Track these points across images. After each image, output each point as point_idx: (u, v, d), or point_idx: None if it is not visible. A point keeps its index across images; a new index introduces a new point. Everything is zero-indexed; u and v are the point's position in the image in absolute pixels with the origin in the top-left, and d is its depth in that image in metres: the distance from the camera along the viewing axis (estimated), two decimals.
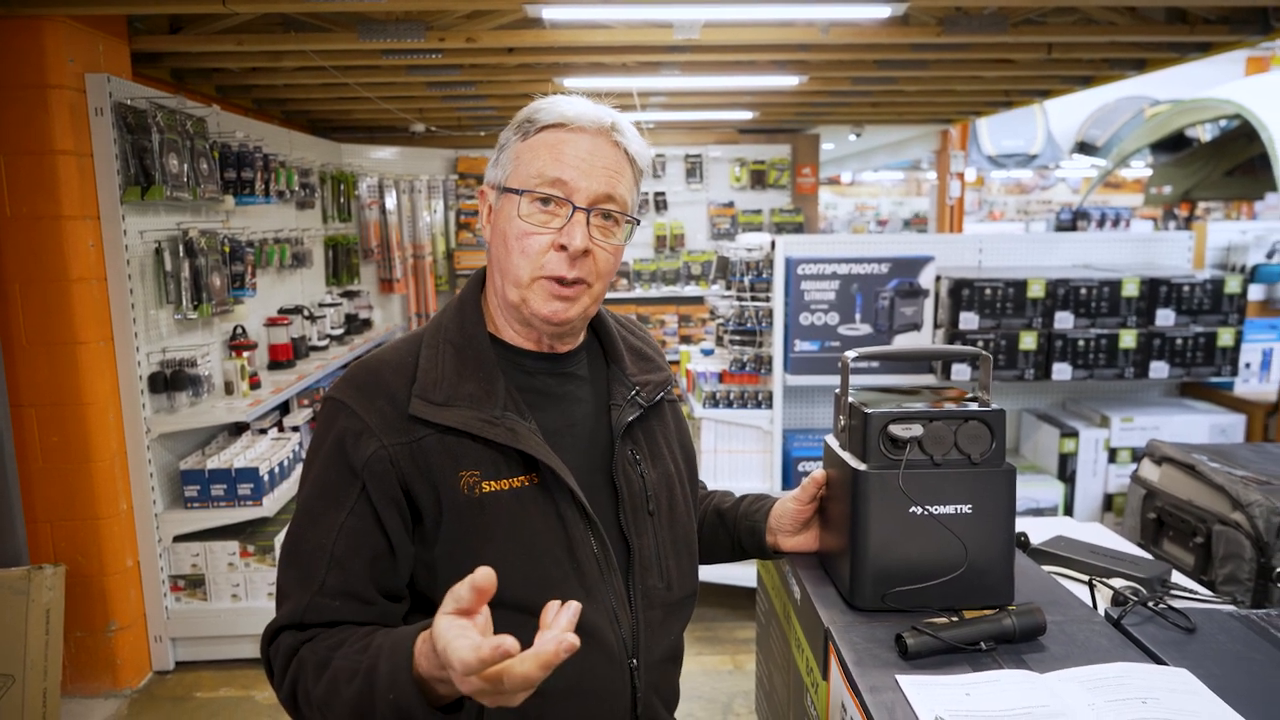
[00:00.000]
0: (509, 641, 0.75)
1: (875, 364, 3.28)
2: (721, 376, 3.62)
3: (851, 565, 1.06)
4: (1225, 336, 3.28)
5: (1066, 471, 3.39)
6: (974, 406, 1.07)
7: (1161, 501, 1.68)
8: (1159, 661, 0.95)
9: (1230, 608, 1.09)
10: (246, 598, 3.44)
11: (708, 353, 4.02)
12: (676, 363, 5.24)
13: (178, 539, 3.38)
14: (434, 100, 4.99)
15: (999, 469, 1.05)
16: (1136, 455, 3.36)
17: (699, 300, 6.36)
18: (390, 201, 5.99)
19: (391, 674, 0.89)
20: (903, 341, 3.39)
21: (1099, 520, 3.41)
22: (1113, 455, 3.38)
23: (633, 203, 1.11)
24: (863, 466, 1.05)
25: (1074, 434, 3.38)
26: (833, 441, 1.16)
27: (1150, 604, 1.05)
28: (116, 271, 3.08)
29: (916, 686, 0.88)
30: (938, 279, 3.37)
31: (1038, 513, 3.33)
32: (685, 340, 6.26)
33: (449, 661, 0.77)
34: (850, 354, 1.11)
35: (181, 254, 3.34)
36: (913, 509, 1.03)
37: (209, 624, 3.42)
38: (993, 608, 1.03)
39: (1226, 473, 1.54)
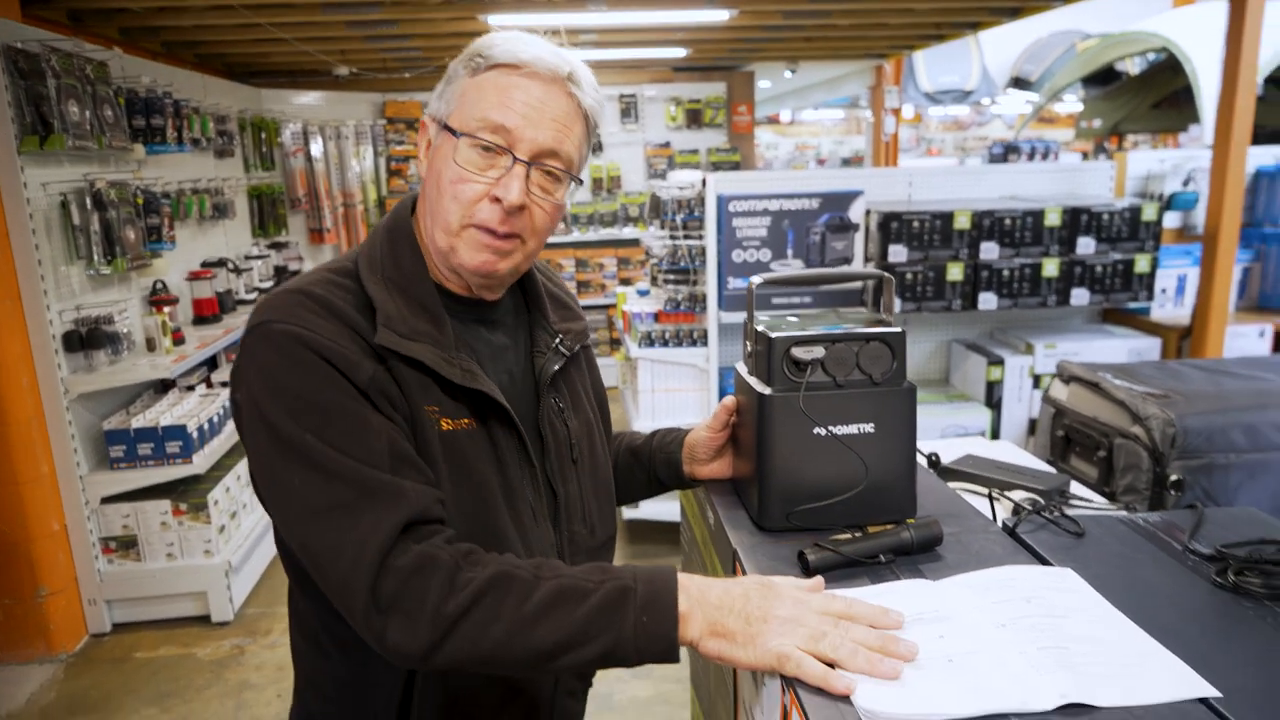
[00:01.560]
0: None
1: (808, 299, 3.31)
2: (657, 316, 3.63)
3: (759, 488, 1.08)
4: (1142, 263, 3.38)
5: (993, 398, 3.49)
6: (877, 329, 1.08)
7: (1069, 419, 1.74)
8: (1047, 564, 0.99)
9: (1122, 514, 1.14)
10: (182, 556, 3.39)
11: (643, 293, 4.01)
12: (613, 305, 5.22)
13: (106, 500, 3.30)
14: (355, 41, 4.80)
15: (899, 388, 1.06)
16: None
17: (638, 243, 6.32)
18: (316, 149, 5.80)
19: (651, 598, 0.85)
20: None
21: (1024, 444, 3.53)
22: (1036, 381, 3.48)
23: (580, 160, 1.05)
24: (767, 390, 1.06)
25: (1000, 362, 3.47)
26: (742, 368, 1.17)
27: (1045, 513, 1.09)
28: (19, 226, 2.94)
29: None
30: (867, 213, 3.39)
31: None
32: (625, 283, 6.24)
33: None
34: (755, 279, 1.11)
35: (90, 206, 3.19)
36: (816, 430, 1.05)
37: (145, 585, 3.37)
38: (895, 523, 1.06)
39: (1128, 389, 1.60)
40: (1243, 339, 3.57)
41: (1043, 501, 1.14)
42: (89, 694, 3.02)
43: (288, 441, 0.91)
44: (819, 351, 1.04)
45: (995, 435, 3.54)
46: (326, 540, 0.89)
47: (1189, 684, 0.75)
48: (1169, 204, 3.75)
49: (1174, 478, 1.46)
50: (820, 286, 3.44)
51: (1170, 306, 3.71)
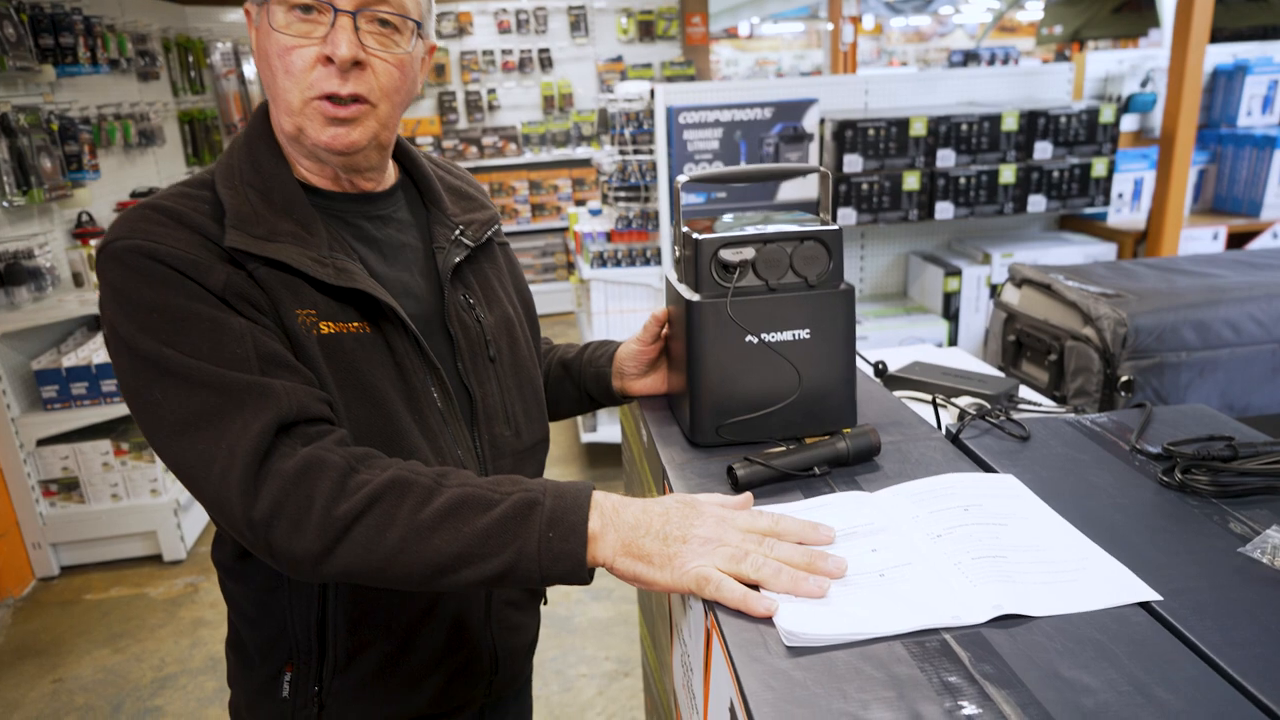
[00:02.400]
0: None
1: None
2: (609, 235, 3.52)
3: (690, 402, 1.02)
4: (1099, 167, 3.32)
5: (950, 310, 3.46)
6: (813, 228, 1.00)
7: (1020, 323, 1.69)
8: (989, 470, 0.94)
9: (1070, 415, 1.09)
10: (128, 496, 3.29)
11: (595, 212, 3.90)
12: (566, 228, 5.08)
13: (42, 443, 3.18)
14: None
15: (836, 290, 1.00)
16: None
17: (591, 163, 6.15)
18: (250, 70, 5.50)
19: (559, 513, 0.79)
20: (789, 190, 3.33)
21: (980, 354, 3.53)
22: (994, 291, 3.45)
23: (421, 9, 0.96)
24: (695, 297, 0.99)
25: (957, 272, 3.43)
26: (671, 275, 1.09)
27: (990, 418, 1.04)
28: None
29: None
30: (822, 122, 3.29)
31: None
32: (581, 205, 6.08)
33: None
34: (681, 177, 1.02)
35: None
36: (749, 338, 0.98)
37: (91, 526, 3.28)
38: (834, 434, 1.00)
39: (1080, 289, 1.55)
40: (1196, 242, 3.55)
41: (988, 406, 1.09)
42: (39, 637, 2.96)
43: (145, 358, 0.85)
44: (749, 253, 0.97)
45: (952, 345, 3.52)
46: (196, 453, 0.84)
47: (1129, 589, 0.71)
48: (1126, 106, 3.68)
49: (1124, 378, 1.42)
50: (772, 199, 3.35)
51: (1127, 212, 3.68)
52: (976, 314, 3.49)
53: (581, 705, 2.51)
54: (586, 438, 3.83)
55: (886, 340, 3.36)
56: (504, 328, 1.11)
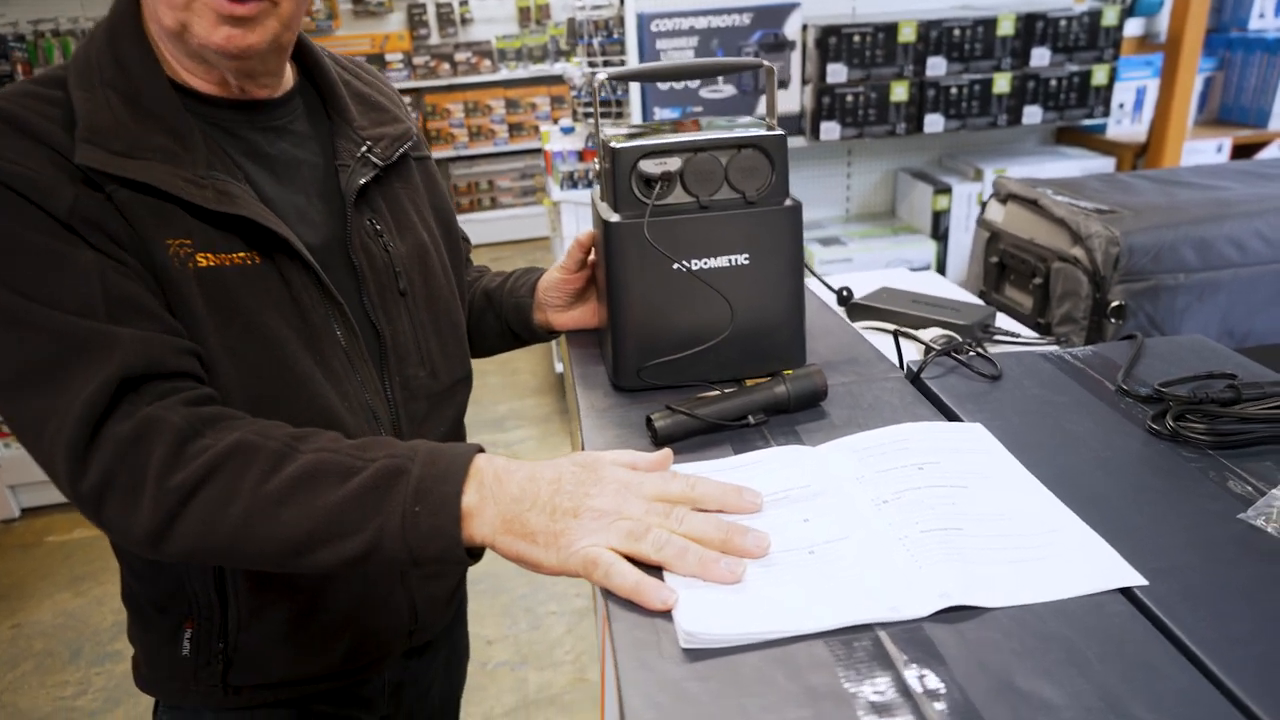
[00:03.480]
0: None
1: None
2: (582, 155, 3.33)
3: (611, 339, 0.88)
4: (1100, 75, 3.12)
5: (940, 229, 3.31)
6: (753, 133, 0.85)
7: (1004, 244, 1.54)
8: (953, 418, 0.81)
9: (1051, 348, 0.96)
10: None
11: (568, 130, 3.69)
12: (538, 149, 4.85)
13: None
14: None
15: (780, 207, 0.85)
16: None
17: None
18: None
19: (428, 484, 0.67)
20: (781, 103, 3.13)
21: (965, 277, 3.39)
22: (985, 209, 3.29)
23: None
24: (614, 217, 0.84)
25: (947, 190, 3.26)
26: (595, 192, 0.94)
27: (956, 353, 0.90)
28: None
29: None
30: (804, 28, 3.07)
31: None
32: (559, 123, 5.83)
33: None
34: (599, 74, 0.86)
35: None
36: (676, 265, 0.84)
37: None
38: (776, 375, 0.87)
39: (1070, 205, 1.39)
40: (1199, 155, 3.38)
41: (957, 339, 0.95)
42: None
43: None
44: (674, 164, 0.82)
45: (941, 268, 3.38)
46: (31, 409, 0.72)
47: (1107, 571, 0.58)
48: (1132, 9, 3.45)
49: (1115, 304, 1.28)
50: (752, 112, 3.15)
51: (1127, 123, 3.49)
52: (966, 234, 3.33)
53: (550, 643, 2.45)
54: (561, 366, 3.71)
55: (873, 261, 3.21)
56: (417, 257, 0.97)
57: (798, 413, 0.82)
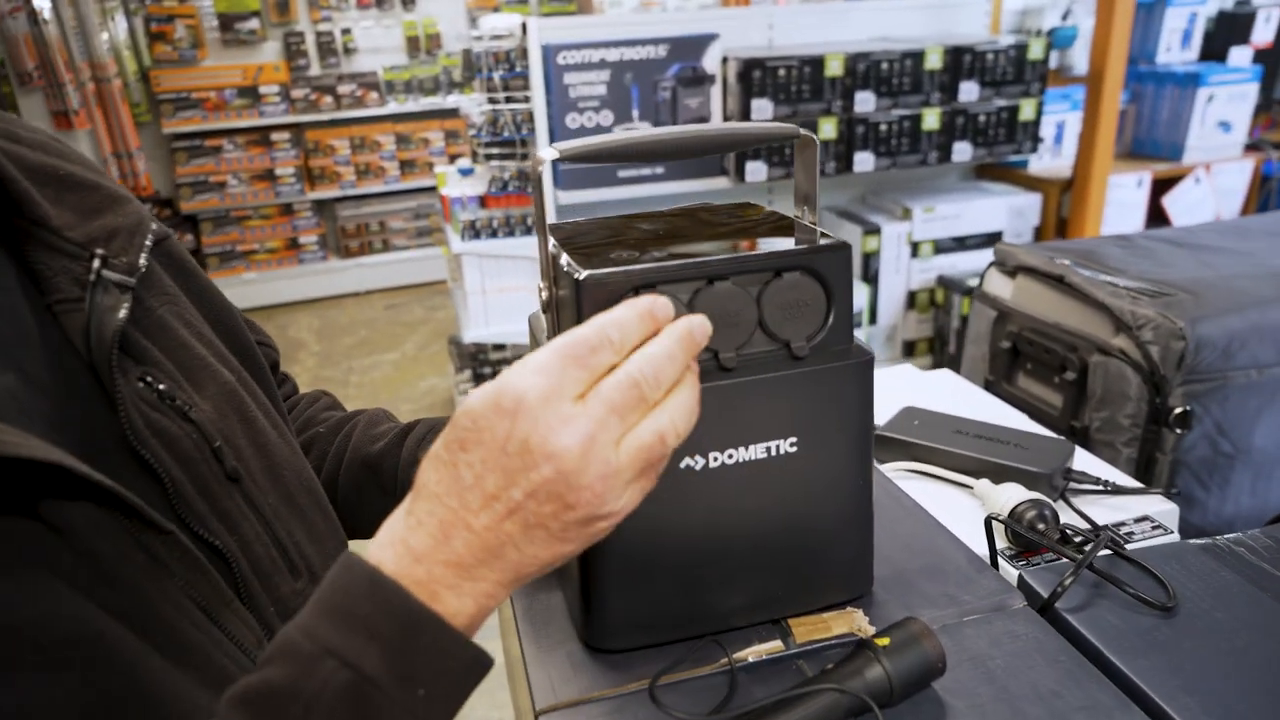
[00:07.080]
0: None
1: (658, 170, 2.76)
2: (483, 200, 3.00)
3: (580, 573, 0.55)
4: (1027, 109, 3.02)
5: (870, 272, 3.13)
6: (792, 243, 0.54)
7: (1017, 325, 1.28)
8: (1135, 693, 0.51)
9: (1167, 507, 0.68)
10: None
11: (466, 172, 3.34)
12: (433, 187, 4.45)
13: None
14: None
15: (844, 364, 0.54)
16: (940, 247, 3.19)
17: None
18: (43, 6, 4.61)
19: (400, 654, 0.44)
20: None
21: (900, 321, 3.24)
22: (915, 249, 3.14)
23: None
24: None
25: (876, 230, 3.08)
26: (539, 324, 0.61)
27: (1096, 569, 0.61)
28: None
29: None
30: (724, 61, 2.84)
31: None
32: (455, 161, 5.47)
33: None
34: (545, 153, 0.54)
35: None
36: (685, 462, 0.52)
37: None
38: (834, 607, 0.56)
39: (1107, 283, 1.14)
40: (1121, 189, 3.33)
41: (1050, 504, 0.67)
42: None
43: None
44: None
45: (873, 313, 3.22)
46: None
47: None
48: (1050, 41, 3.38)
49: (1179, 410, 1.04)
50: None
51: (1048, 158, 3.42)
52: (897, 275, 3.18)
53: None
54: None
55: None
56: (232, 410, 0.62)
57: (900, 704, 0.51)
